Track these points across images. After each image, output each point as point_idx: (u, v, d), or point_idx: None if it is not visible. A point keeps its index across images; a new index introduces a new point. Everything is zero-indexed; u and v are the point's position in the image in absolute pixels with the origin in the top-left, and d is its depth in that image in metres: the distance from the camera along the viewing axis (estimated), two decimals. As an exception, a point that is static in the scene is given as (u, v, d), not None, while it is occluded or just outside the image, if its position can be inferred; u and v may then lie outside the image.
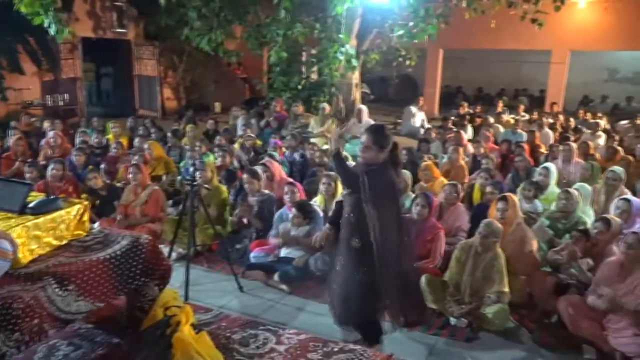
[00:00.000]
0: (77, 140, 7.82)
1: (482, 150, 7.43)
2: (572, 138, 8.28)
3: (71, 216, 2.95)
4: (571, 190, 4.89)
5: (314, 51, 10.50)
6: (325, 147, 7.58)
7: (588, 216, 4.94)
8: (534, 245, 4.42)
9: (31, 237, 2.74)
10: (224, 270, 4.81)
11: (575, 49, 13.63)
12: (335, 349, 2.95)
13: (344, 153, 4.56)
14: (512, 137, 8.70)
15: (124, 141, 7.91)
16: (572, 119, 10.83)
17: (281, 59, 9.25)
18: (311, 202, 5.10)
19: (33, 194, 3.14)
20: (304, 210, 4.76)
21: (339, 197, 4.59)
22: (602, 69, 17.31)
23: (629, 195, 5.01)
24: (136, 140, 7.70)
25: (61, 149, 7.52)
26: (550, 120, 10.56)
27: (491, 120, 10.50)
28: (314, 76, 10.87)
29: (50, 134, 7.67)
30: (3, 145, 7.84)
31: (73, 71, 12.69)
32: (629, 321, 3.53)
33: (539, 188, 5.36)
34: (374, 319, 3.41)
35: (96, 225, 3.60)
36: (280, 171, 6.03)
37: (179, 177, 6.85)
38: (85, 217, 3.06)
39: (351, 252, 3.21)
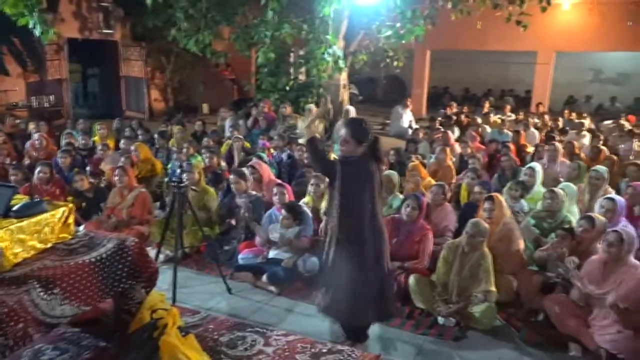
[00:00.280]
0: (63, 142, 7.75)
1: (469, 150, 7.48)
2: (558, 138, 8.36)
3: (56, 219, 2.93)
4: (556, 189, 4.94)
5: (301, 52, 10.49)
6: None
7: (574, 215, 4.99)
8: (521, 244, 4.47)
9: (15, 241, 2.71)
10: (212, 272, 4.79)
11: (560, 50, 13.78)
12: (324, 350, 2.95)
13: (333, 155, 4.58)
14: (498, 137, 8.77)
15: (111, 143, 7.85)
16: (560, 119, 10.95)
17: (269, 60, 9.23)
18: (300, 203, 5.10)
19: (18, 196, 3.11)
20: (294, 212, 4.76)
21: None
22: (587, 69, 17.52)
23: (613, 194, 5.07)
24: (122, 142, 7.64)
25: (46, 151, 7.46)
26: (536, 120, 10.67)
27: (479, 120, 10.58)
28: (302, 77, 10.88)
29: (36, 136, 7.60)
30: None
31: (59, 72, 12.57)
32: (613, 318, 3.58)
33: (525, 188, 5.40)
34: (365, 315, 3.45)
35: (81, 228, 3.56)
36: (269, 173, 6.02)
37: (166, 179, 6.81)
38: (70, 220, 3.03)
39: (341, 247, 3.24)
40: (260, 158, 6.67)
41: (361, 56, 10.78)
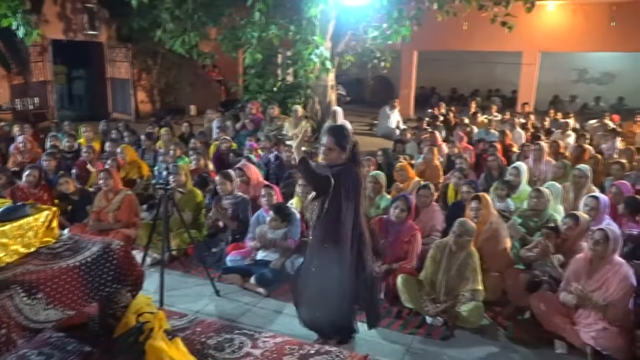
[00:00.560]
0: (48, 144, 7.67)
1: (456, 150, 7.53)
2: (543, 138, 8.45)
3: (39, 223, 2.89)
4: (542, 188, 4.99)
5: (289, 53, 10.49)
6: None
7: (559, 214, 5.04)
8: (508, 243, 4.50)
9: (-2, 245, 2.67)
10: (200, 275, 4.76)
11: (545, 50, 13.93)
12: (312, 351, 2.94)
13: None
14: (485, 137, 8.83)
15: (96, 145, 7.78)
16: (547, 119, 11.06)
17: (256, 61, 9.21)
18: (288, 205, 5.09)
19: (0, 200, 3.07)
20: (282, 213, 4.75)
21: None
22: (571, 69, 17.72)
23: (597, 192, 5.13)
24: (107, 145, 7.58)
25: (31, 154, 7.38)
26: (522, 120, 10.76)
27: (466, 120, 10.65)
28: (290, 78, 10.87)
29: (20, 138, 7.51)
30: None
31: (43, 74, 12.45)
32: (598, 316, 3.61)
33: (511, 187, 5.45)
34: (350, 318, 3.45)
35: (66, 231, 3.53)
36: (257, 174, 6.00)
37: (153, 181, 6.77)
38: (54, 224, 2.99)
39: (326, 253, 3.23)
40: (249, 159, 6.66)
41: (348, 57, 10.79)
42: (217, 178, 5.46)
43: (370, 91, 17.94)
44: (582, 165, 5.73)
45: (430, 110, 13.30)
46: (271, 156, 7.26)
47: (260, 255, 4.78)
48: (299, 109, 9.15)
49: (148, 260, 4.72)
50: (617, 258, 3.74)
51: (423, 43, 13.83)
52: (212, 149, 7.89)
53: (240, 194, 5.37)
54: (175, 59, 13.57)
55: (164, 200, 4.24)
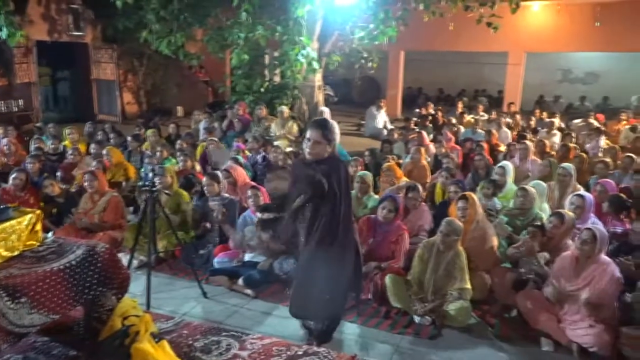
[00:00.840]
0: (32, 147, 7.58)
1: (443, 150, 7.57)
2: (529, 137, 8.52)
3: (23, 226, 2.85)
4: (528, 187, 5.04)
5: (276, 54, 10.47)
6: (288, 149, 7.57)
7: (545, 212, 5.09)
8: (495, 241, 4.53)
9: (-20, 249, 2.63)
10: (187, 277, 4.73)
11: (530, 50, 14.04)
12: (299, 352, 2.94)
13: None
14: (472, 137, 8.89)
15: (82, 147, 7.71)
16: (533, 119, 11.16)
17: (243, 62, 9.18)
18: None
19: (-18, 204, 3.03)
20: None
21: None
22: (557, 69, 17.91)
23: (582, 191, 5.18)
24: (92, 147, 7.51)
25: (16, 156, 7.29)
26: (508, 120, 10.84)
27: (453, 120, 10.71)
28: (277, 79, 10.85)
29: (4, 141, 7.42)
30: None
31: (28, 76, 12.29)
32: (584, 313, 3.65)
33: (497, 186, 5.49)
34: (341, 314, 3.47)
35: (50, 235, 3.50)
36: (244, 176, 5.97)
37: (139, 183, 6.72)
38: (38, 227, 2.95)
39: (325, 251, 3.24)
40: (236, 161, 6.63)
41: (335, 57, 10.80)
42: (204, 180, 5.43)
43: (358, 91, 17.96)
44: (566, 164, 5.80)
45: (417, 110, 13.36)
46: (259, 157, 7.24)
47: (248, 256, 4.77)
48: (284, 109, 9.14)
49: (135, 262, 4.68)
50: (604, 257, 3.78)
51: (410, 43, 13.89)
52: (199, 150, 7.86)
53: (227, 195, 5.34)
54: (161, 60, 13.48)
55: (150, 202, 4.21)
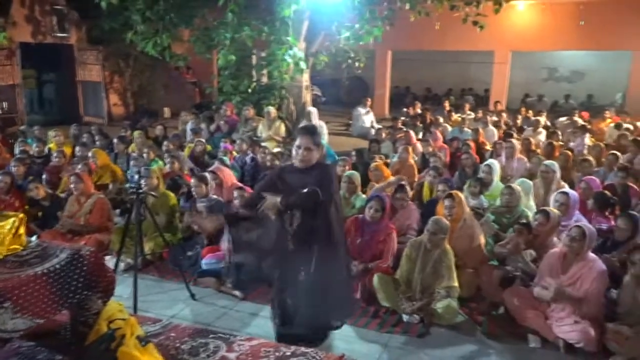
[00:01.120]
0: (17, 149, 7.50)
1: (430, 149, 7.60)
2: (515, 135, 8.59)
3: (6, 230, 2.81)
4: (513, 185, 5.08)
5: (263, 54, 10.45)
6: (276, 150, 7.56)
7: (531, 210, 5.13)
8: (481, 239, 4.56)
9: (-38, 254, 2.59)
10: (175, 279, 4.71)
11: (516, 49, 14.16)
12: (287, 353, 2.93)
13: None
14: (459, 136, 8.94)
15: (67, 150, 7.64)
16: (519, 117, 11.24)
17: (230, 62, 9.15)
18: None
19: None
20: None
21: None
22: (542, 68, 18.09)
23: (567, 188, 5.23)
24: (77, 149, 7.44)
25: (0, 159, 7.20)
26: (495, 119, 10.92)
27: (441, 120, 10.77)
28: (265, 79, 10.83)
29: (-13, 144, 7.33)
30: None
31: (11, 78, 12.17)
32: (570, 310, 3.68)
33: (483, 184, 5.53)
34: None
35: (34, 238, 3.46)
36: (231, 177, 5.95)
37: (126, 185, 6.68)
38: (22, 231, 2.91)
39: (321, 255, 3.23)
40: (223, 162, 6.61)
41: (322, 57, 10.80)
42: (192, 181, 5.41)
43: (346, 91, 18.00)
44: (548, 161, 5.87)
45: (405, 110, 13.41)
46: (247, 158, 7.22)
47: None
48: (271, 110, 9.13)
49: (122, 265, 4.65)
50: (591, 254, 3.82)
51: (397, 43, 13.94)
52: (186, 152, 7.82)
53: (215, 196, 5.32)
54: (148, 61, 13.39)
55: (136, 204, 4.18)
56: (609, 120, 10.67)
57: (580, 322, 3.59)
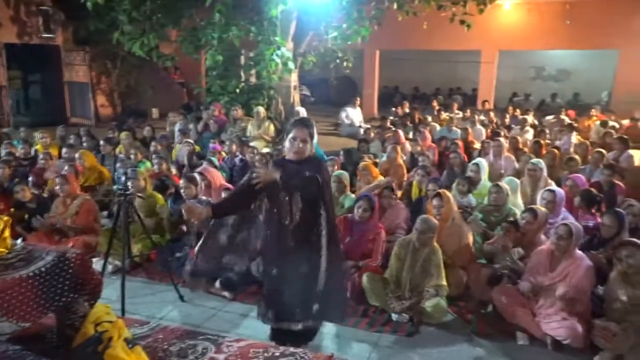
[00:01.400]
0: (3, 151, 7.41)
1: (419, 149, 7.63)
2: (503, 134, 8.64)
3: (-10, 233, 2.78)
4: (501, 184, 5.11)
5: (251, 54, 10.43)
6: (264, 150, 7.55)
7: (518, 208, 5.17)
8: (470, 238, 4.58)
9: (-55, 258, 2.56)
10: (163, 281, 4.68)
11: (503, 48, 14.24)
12: (276, 354, 2.92)
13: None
14: (448, 135, 8.98)
15: (54, 151, 7.57)
16: (507, 116, 11.32)
17: (217, 63, 9.12)
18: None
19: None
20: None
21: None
22: (529, 67, 18.22)
23: (553, 186, 5.28)
24: (64, 151, 7.38)
25: (-15, 162, 7.10)
26: (482, 118, 10.98)
27: (429, 119, 10.81)
28: (253, 79, 10.80)
29: (-28, 146, 7.24)
30: None
31: (-4, 79, 12.05)
32: (558, 307, 3.72)
33: (472, 183, 5.56)
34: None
35: (19, 241, 3.42)
36: (219, 178, 5.93)
37: (114, 187, 6.63)
38: (7, 234, 2.88)
39: (331, 250, 3.23)
40: (211, 162, 6.58)
41: (310, 57, 10.80)
42: (181, 182, 5.38)
43: (335, 91, 18.00)
44: (535, 159, 5.91)
45: (394, 109, 13.44)
46: (236, 160, 7.20)
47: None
48: (261, 110, 9.11)
49: (109, 267, 4.63)
50: (578, 252, 3.86)
51: (385, 42, 13.97)
52: (174, 153, 7.78)
53: (204, 197, 5.30)
54: (135, 62, 13.29)
55: (124, 205, 4.16)
56: (594, 119, 10.78)
57: (567, 318, 3.63)
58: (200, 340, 3.19)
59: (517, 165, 6.73)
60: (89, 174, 6.76)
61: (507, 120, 10.89)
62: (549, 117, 11.30)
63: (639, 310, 3.46)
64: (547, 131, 9.16)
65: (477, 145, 8.15)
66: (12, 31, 12.25)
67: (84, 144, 8.11)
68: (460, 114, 11.88)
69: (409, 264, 4.18)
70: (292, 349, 2.97)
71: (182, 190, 5.31)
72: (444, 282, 4.06)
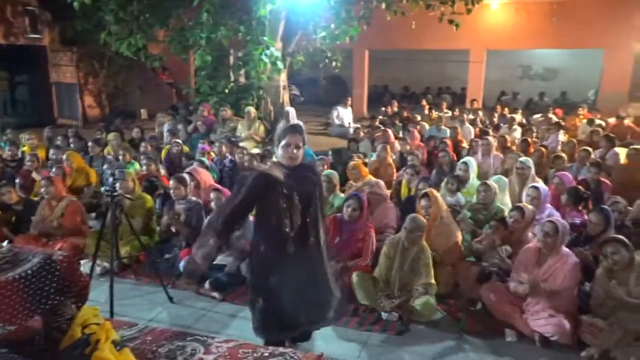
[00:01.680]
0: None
1: (408, 148, 7.66)
2: (492, 133, 8.70)
3: (-25, 236, 2.76)
4: (489, 182, 5.15)
5: (240, 54, 10.40)
6: (254, 150, 7.53)
7: (506, 206, 5.20)
8: (458, 236, 4.61)
9: None
10: (152, 282, 4.65)
11: (491, 48, 14.32)
12: (266, 354, 2.92)
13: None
14: (437, 134, 9.02)
15: (41, 153, 7.50)
16: (495, 115, 11.39)
17: (206, 63, 9.08)
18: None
19: None
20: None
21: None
22: (517, 66, 18.34)
23: (538, 183, 5.32)
24: (51, 152, 7.31)
25: (-29, 164, 7.04)
26: (471, 116, 11.04)
27: (418, 118, 10.84)
28: (242, 79, 10.77)
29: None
30: None
31: (-18, 80, 11.92)
32: (545, 304, 3.74)
33: (460, 182, 5.59)
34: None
35: (5, 244, 3.37)
36: (208, 178, 5.91)
37: (102, 189, 6.58)
38: (-8, 236, 2.86)
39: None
40: (202, 163, 6.56)
41: (299, 57, 10.79)
42: (171, 182, 5.35)
43: (324, 91, 18.01)
44: (524, 158, 5.96)
45: (383, 109, 13.47)
46: (226, 161, 7.17)
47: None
48: (251, 110, 9.09)
49: (98, 269, 4.58)
50: (565, 249, 3.89)
51: (374, 42, 13.99)
52: (163, 153, 7.75)
53: (194, 198, 5.28)
54: (123, 62, 13.22)
55: (111, 207, 4.13)
56: (581, 117, 10.87)
57: (555, 315, 3.65)
58: (189, 342, 3.18)
59: (504, 164, 6.77)
60: (76, 176, 6.71)
61: (495, 119, 10.96)
62: (537, 116, 11.38)
63: (624, 306, 3.49)
64: (535, 130, 9.24)
65: (466, 144, 8.19)
66: (-2, 32, 12.15)
67: (72, 145, 8.06)
68: (450, 113, 11.93)
69: (398, 263, 4.19)
70: (281, 349, 2.97)
71: (171, 191, 5.28)
72: (433, 281, 4.07)
